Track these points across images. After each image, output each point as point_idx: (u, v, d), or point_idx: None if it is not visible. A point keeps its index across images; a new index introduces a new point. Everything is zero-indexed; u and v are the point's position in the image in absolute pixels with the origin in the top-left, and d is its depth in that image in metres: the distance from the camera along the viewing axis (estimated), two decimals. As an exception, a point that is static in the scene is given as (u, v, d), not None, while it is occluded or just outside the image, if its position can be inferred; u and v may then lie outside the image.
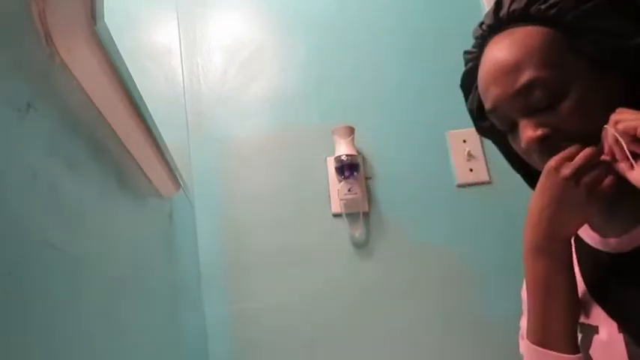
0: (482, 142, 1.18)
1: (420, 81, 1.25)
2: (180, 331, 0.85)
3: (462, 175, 1.17)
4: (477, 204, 1.15)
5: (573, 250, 0.62)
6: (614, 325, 0.54)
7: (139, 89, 0.56)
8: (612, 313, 0.55)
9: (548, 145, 0.55)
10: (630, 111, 0.50)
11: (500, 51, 0.59)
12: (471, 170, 1.17)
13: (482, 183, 1.16)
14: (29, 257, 0.35)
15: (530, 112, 0.57)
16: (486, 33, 0.62)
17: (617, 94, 0.56)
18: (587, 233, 0.61)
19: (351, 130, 1.16)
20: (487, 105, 0.62)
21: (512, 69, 0.57)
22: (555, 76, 0.55)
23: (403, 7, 1.32)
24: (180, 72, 1.26)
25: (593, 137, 0.53)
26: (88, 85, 0.49)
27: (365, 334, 1.07)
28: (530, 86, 0.56)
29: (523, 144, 0.58)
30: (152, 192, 0.74)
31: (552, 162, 0.55)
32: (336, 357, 1.06)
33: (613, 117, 0.51)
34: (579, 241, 0.63)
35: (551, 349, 0.56)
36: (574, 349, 0.56)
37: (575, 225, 0.56)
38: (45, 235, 0.38)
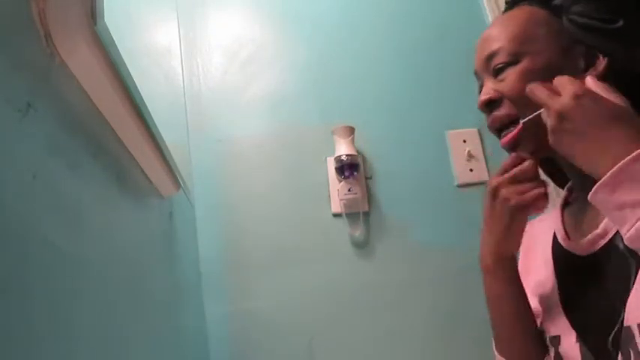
0: (482, 142, 1.18)
1: (420, 81, 1.25)
2: (180, 331, 0.85)
3: (462, 175, 1.17)
4: (477, 204, 1.14)
5: (550, 254, 0.63)
6: (574, 334, 0.55)
7: (139, 89, 0.56)
8: (572, 320, 0.56)
9: (491, 111, 0.60)
10: (569, 78, 0.50)
11: (491, 26, 0.65)
12: (471, 170, 1.17)
13: (482, 183, 1.16)
14: (29, 257, 0.35)
15: (491, 78, 0.62)
16: (503, 12, 0.68)
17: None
18: (561, 236, 0.63)
19: (351, 130, 1.16)
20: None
21: (489, 39, 0.62)
22: (517, 47, 0.59)
23: (403, 7, 1.32)
24: (180, 72, 1.26)
25: (533, 106, 0.53)
26: (88, 85, 0.49)
27: (365, 334, 1.07)
28: (494, 54, 0.60)
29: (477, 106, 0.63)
30: (152, 192, 0.74)
31: (491, 178, 0.59)
32: (335, 357, 1.06)
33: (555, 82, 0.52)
34: (557, 244, 0.63)
35: (504, 357, 0.61)
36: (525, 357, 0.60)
37: (506, 242, 0.58)
38: (45, 235, 0.38)
